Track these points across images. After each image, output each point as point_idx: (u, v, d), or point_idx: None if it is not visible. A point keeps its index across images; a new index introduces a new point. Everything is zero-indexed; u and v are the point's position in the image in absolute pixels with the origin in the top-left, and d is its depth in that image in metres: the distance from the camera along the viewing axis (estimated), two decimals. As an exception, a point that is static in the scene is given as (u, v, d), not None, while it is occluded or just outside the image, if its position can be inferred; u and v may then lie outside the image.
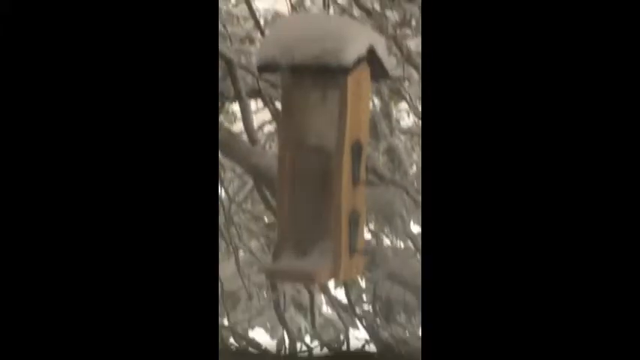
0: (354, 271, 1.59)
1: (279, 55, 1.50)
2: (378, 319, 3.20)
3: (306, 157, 1.58)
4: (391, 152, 3.27)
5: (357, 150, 1.55)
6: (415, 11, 2.24)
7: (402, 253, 2.82)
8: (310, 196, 1.58)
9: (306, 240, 1.56)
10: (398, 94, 3.82)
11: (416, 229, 3.46)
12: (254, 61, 3.12)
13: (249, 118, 2.66)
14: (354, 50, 1.47)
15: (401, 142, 3.56)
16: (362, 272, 1.64)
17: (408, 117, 4.27)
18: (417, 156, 4.21)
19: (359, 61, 1.50)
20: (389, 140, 3.25)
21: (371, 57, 1.56)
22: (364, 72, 1.57)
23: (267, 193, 2.74)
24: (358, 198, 1.58)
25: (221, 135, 2.26)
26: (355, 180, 1.56)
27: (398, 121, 3.98)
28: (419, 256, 3.35)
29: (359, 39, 1.51)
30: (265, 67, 1.52)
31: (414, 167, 3.82)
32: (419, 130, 3.92)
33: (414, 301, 2.99)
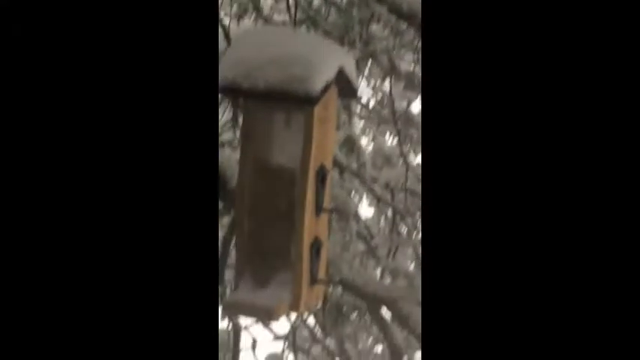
0: (313, 302, 1.53)
1: (242, 78, 1.40)
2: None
3: (268, 181, 1.50)
4: (349, 141, 3.19)
5: (321, 176, 1.48)
6: (383, 12, 2.17)
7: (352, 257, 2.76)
8: (271, 223, 1.50)
9: (266, 269, 1.49)
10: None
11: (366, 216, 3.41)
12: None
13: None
14: (322, 77, 1.39)
15: (358, 129, 3.49)
16: (321, 301, 1.58)
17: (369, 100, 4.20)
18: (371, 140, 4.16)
19: (326, 87, 1.42)
20: (346, 130, 3.18)
21: (339, 77, 1.48)
22: (331, 93, 1.49)
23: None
24: (321, 226, 1.52)
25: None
26: (319, 207, 1.49)
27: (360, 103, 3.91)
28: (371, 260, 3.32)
29: (327, 62, 1.42)
30: (226, 90, 1.43)
31: (369, 152, 3.77)
32: (376, 115, 3.88)
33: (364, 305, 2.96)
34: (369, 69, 3.57)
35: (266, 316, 1.45)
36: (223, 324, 4.30)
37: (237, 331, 4.03)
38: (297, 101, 1.39)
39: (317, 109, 1.43)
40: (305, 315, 3.96)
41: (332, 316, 3.32)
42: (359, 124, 3.83)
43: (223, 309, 1.46)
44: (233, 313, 1.52)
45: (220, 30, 2.51)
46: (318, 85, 1.37)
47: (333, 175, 3.40)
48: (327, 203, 1.51)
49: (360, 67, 3.43)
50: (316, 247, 1.49)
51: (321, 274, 1.52)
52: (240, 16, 3.34)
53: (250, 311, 1.49)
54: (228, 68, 1.42)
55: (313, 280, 1.49)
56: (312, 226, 1.47)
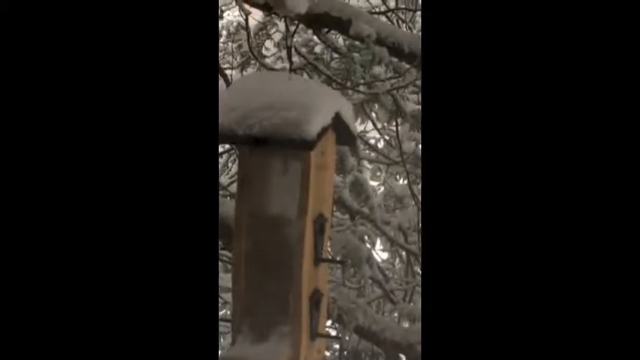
0: (315, 356, 1.47)
1: (236, 124, 1.36)
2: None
3: (265, 230, 1.45)
4: (357, 185, 3.14)
5: (319, 225, 1.43)
6: (384, 55, 2.13)
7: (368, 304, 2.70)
8: (269, 274, 1.45)
9: (264, 322, 1.43)
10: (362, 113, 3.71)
11: (383, 261, 3.36)
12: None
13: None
14: (318, 121, 1.34)
15: (368, 173, 3.44)
16: (324, 356, 1.51)
17: (377, 143, 4.15)
18: (381, 182, 4.11)
19: (323, 132, 1.37)
20: (355, 174, 3.13)
21: (336, 122, 1.44)
22: (329, 139, 1.45)
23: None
24: (320, 277, 1.46)
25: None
26: (317, 257, 1.44)
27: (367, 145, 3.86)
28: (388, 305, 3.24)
29: (324, 107, 1.38)
30: (221, 137, 1.39)
31: (379, 195, 3.71)
32: (384, 157, 3.83)
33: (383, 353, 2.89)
34: (375, 111, 3.54)
35: (264, 373, 1.39)
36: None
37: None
38: (293, 146, 1.35)
39: (314, 156, 1.39)
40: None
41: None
42: (368, 167, 3.78)
43: (220, 366, 1.40)
44: (231, 369, 1.45)
45: (222, 81, 2.50)
46: (313, 129, 1.33)
47: (343, 220, 3.38)
48: (325, 253, 1.46)
49: (365, 109, 3.40)
50: (316, 299, 1.43)
51: (322, 327, 1.46)
52: (243, 67, 3.32)
53: (249, 367, 1.43)
54: (223, 114, 1.38)
55: (313, 334, 1.43)
56: (310, 277, 1.42)
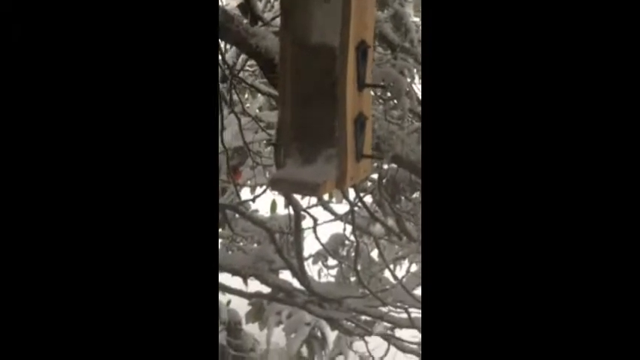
0: (361, 175, 1.55)
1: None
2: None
3: (309, 57, 1.50)
4: (397, 19, 3.13)
5: (362, 51, 1.47)
6: None
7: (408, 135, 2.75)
8: (314, 100, 1.51)
9: (312, 146, 1.51)
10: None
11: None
12: None
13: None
14: (358, -53, 1.36)
15: (410, 5, 3.40)
16: (369, 174, 1.59)
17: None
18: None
19: (364, -42, 1.39)
20: (396, 7, 3.10)
21: (377, -52, 1.45)
22: (370, -35, 1.46)
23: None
24: (364, 101, 1.52)
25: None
26: (361, 83, 1.49)
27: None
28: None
29: None
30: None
31: (419, 31, 3.68)
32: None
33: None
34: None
35: (312, 192, 1.48)
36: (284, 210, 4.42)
37: (297, 212, 4.15)
38: (334, -26, 1.37)
39: (355, -18, 1.41)
40: (362, 194, 4.03)
41: (388, 192, 3.36)
42: (409, 1, 3.73)
43: (271, 185, 1.49)
44: (280, 189, 1.56)
45: None
46: (354, -44, 1.35)
47: (383, 53, 3.39)
48: (369, 79, 1.51)
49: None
50: (360, 122, 1.50)
51: (367, 149, 1.53)
52: None
53: (297, 187, 1.52)
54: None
55: (359, 155, 1.50)
56: (354, 101, 1.47)
